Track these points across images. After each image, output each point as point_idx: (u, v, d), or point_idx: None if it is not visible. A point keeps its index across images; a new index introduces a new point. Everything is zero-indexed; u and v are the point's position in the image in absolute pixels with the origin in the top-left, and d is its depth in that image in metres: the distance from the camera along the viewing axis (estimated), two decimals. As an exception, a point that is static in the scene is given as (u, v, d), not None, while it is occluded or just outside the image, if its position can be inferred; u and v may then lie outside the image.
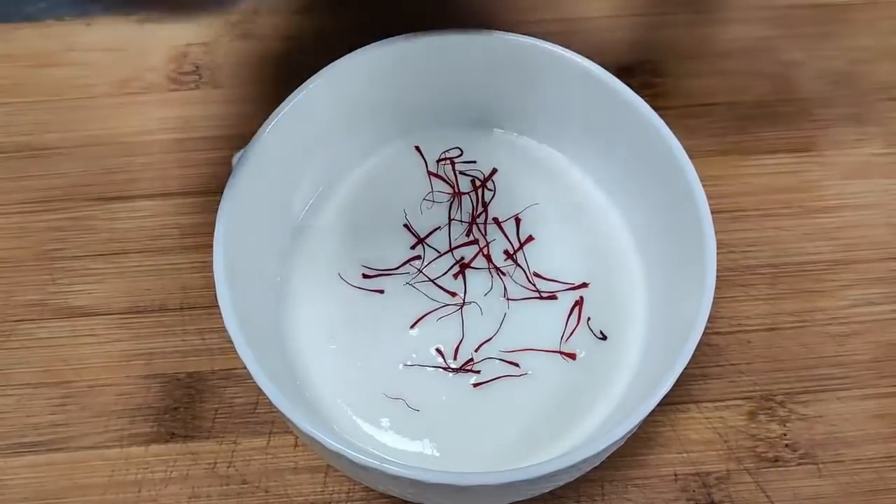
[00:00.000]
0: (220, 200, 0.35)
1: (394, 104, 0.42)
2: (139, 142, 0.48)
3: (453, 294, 0.40)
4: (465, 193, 0.42)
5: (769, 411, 0.41)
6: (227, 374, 0.41)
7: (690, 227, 0.36)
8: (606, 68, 0.39)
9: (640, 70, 0.50)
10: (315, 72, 0.39)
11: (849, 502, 0.39)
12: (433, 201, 0.42)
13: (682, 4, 0.53)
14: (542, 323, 0.39)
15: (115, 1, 0.33)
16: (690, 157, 0.36)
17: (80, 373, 0.41)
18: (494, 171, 0.43)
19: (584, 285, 0.40)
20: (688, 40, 0.52)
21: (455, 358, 0.38)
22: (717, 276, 0.34)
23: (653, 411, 0.32)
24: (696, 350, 0.32)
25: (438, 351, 0.38)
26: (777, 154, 0.48)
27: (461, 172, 0.43)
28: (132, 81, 0.50)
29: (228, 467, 0.39)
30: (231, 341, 0.32)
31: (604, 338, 0.39)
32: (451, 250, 0.41)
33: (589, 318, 0.39)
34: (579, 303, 0.40)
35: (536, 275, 0.40)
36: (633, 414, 0.32)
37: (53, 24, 0.52)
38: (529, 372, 0.38)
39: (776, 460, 0.40)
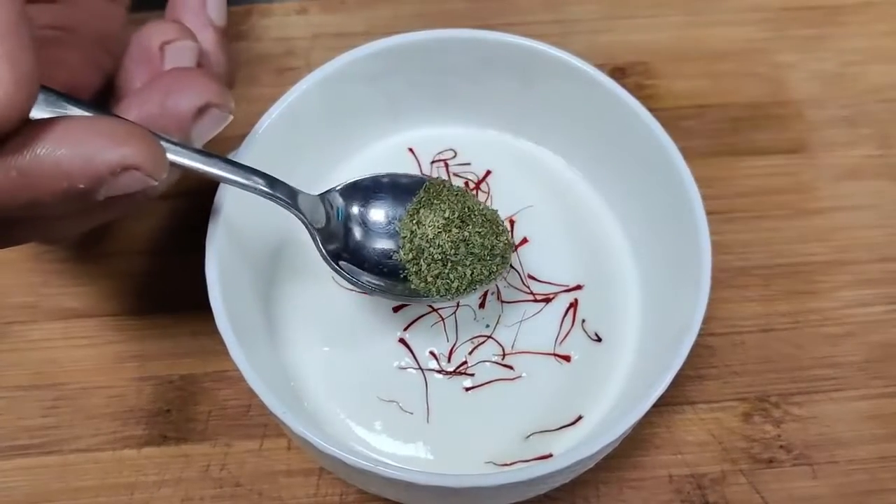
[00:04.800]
0: (212, 202, 0.35)
1: (387, 105, 0.42)
2: (132, 143, 0.48)
3: (447, 296, 0.40)
4: (459, 195, 0.42)
5: (763, 412, 0.41)
6: (219, 377, 0.41)
7: (685, 229, 0.36)
8: (600, 69, 0.39)
9: (633, 71, 0.50)
10: (308, 72, 0.39)
11: (842, 503, 0.39)
12: (427, 203, 0.42)
13: (675, 6, 0.53)
14: (536, 325, 0.39)
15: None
16: (684, 158, 0.36)
17: (72, 375, 0.41)
18: (488, 172, 0.43)
19: (579, 287, 0.40)
20: (681, 42, 0.52)
21: (449, 361, 0.38)
22: (711, 278, 0.34)
23: (647, 413, 0.32)
24: (690, 351, 0.32)
25: (432, 354, 0.38)
26: (770, 155, 0.48)
27: (455, 174, 0.43)
28: (125, 83, 0.50)
29: (221, 470, 0.39)
30: (224, 344, 0.32)
31: (598, 340, 0.39)
32: (445, 252, 0.41)
33: (583, 320, 0.39)
34: (574, 305, 0.40)
35: (531, 277, 0.40)
36: (628, 415, 0.32)
37: (45, 25, 0.52)
38: (524, 374, 0.38)
39: (771, 461, 0.40)
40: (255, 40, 0.51)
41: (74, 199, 0.26)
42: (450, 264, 0.35)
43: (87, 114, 0.28)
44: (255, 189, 0.32)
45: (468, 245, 0.35)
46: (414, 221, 0.35)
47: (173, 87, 0.30)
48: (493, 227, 0.36)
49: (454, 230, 0.35)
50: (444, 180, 0.37)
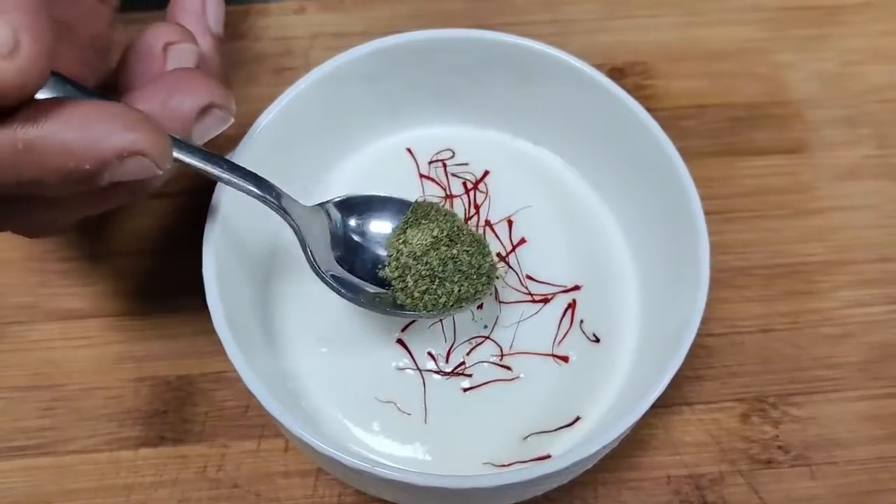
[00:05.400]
0: (210, 202, 0.35)
1: (385, 105, 0.42)
2: (130, 143, 0.47)
3: (445, 296, 0.39)
4: (456, 196, 0.42)
5: (762, 413, 0.41)
6: (217, 378, 0.41)
7: (683, 229, 0.35)
8: (599, 70, 0.39)
9: (632, 72, 0.50)
10: (306, 72, 0.38)
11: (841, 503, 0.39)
12: (425, 203, 0.42)
13: (674, 6, 0.53)
14: (534, 326, 0.39)
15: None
16: (683, 158, 0.36)
17: (69, 376, 0.41)
18: (486, 172, 0.43)
19: (577, 288, 0.40)
20: (680, 42, 0.52)
21: (447, 361, 0.38)
22: (710, 278, 0.34)
23: (646, 413, 0.32)
24: (689, 352, 0.32)
25: (430, 354, 0.38)
26: (769, 155, 0.48)
27: (453, 174, 0.43)
28: (123, 83, 0.50)
29: (218, 471, 0.39)
30: (221, 344, 0.32)
31: (596, 340, 0.39)
32: (443, 252, 0.41)
33: (582, 321, 0.39)
34: (572, 305, 0.39)
35: (529, 277, 0.40)
36: (626, 416, 0.32)
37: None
38: (522, 375, 0.38)
39: (769, 462, 0.40)
40: (254, 40, 0.51)
41: (77, 182, 0.26)
42: (437, 280, 0.35)
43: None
44: (248, 191, 0.33)
45: (456, 262, 0.35)
46: (400, 241, 0.36)
47: (177, 86, 0.30)
48: (480, 247, 0.37)
49: (443, 248, 0.35)
50: (431, 202, 0.38)
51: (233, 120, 0.32)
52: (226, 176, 0.32)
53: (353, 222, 0.37)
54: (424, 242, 0.35)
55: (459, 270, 0.35)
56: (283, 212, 0.34)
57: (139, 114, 0.27)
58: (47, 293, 0.43)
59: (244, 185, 0.33)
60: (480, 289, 0.36)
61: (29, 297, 0.43)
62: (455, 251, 0.35)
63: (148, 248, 0.44)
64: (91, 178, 0.26)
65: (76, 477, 0.39)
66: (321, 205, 0.36)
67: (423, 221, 0.36)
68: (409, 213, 0.37)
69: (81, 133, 0.25)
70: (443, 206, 0.39)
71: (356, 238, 0.37)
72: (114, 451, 0.39)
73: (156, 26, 0.32)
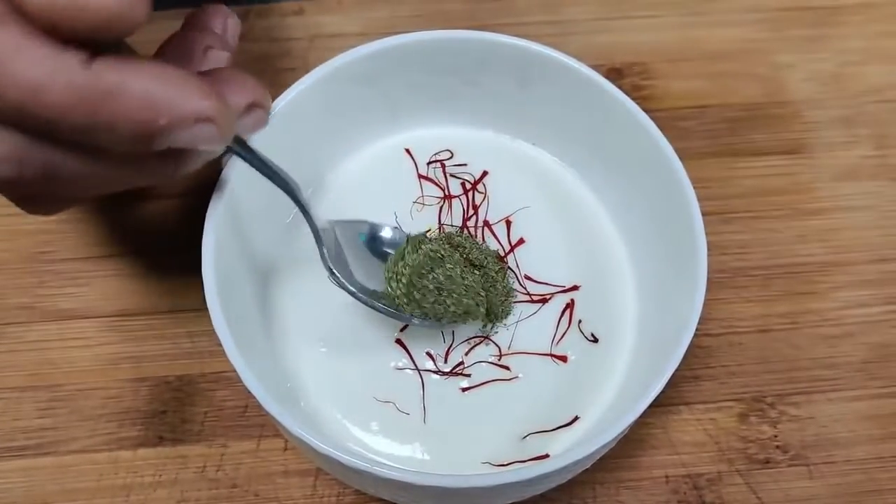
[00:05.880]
0: (209, 202, 0.35)
1: (384, 105, 0.42)
2: (129, 144, 0.47)
3: (444, 296, 0.40)
4: (455, 197, 0.42)
5: (760, 413, 0.41)
6: (216, 378, 0.41)
7: (681, 229, 0.36)
8: (597, 71, 0.39)
9: (630, 72, 0.50)
10: (306, 72, 0.38)
11: (839, 503, 0.39)
12: (423, 204, 0.42)
13: (673, 7, 0.53)
14: (533, 326, 0.39)
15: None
16: (681, 159, 0.36)
17: (68, 376, 0.41)
18: (485, 173, 0.43)
19: (575, 288, 0.40)
20: (678, 43, 0.52)
21: (446, 361, 0.38)
22: (709, 278, 0.34)
23: (644, 413, 0.32)
24: (687, 352, 0.32)
25: (429, 354, 0.38)
26: (768, 156, 0.48)
27: (452, 175, 0.43)
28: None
29: (218, 471, 0.39)
30: (220, 344, 0.32)
31: (595, 340, 0.39)
32: (441, 253, 0.41)
33: (580, 321, 0.39)
34: (570, 305, 0.40)
35: (527, 277, 0.40)
36: (624, 416, 0.32)
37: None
38: (520, 375, 0.38)
39: (767, 462, 0.40)
40: (253, 41, 0.51)
41: (142, 138, 0.27)
42: (446, 292, 0.36)
43: None
44: (285, 189, 0.34)
45: (464, 279, 0.37)
46: (399, 265, 0.37)
47: (229, 82, 0.31)
48: (491, 261, 0.39)
49: (447, 265, 0.37)
50: (424, 235, 0.39)
51: (269, 123, 0.32)
52: (268, 172, 0.33)
53: (364, 241, 0.39)
54: (425, 263, 0.36)
55: (465, 286, 0.37)
56: (308, 215, 0.35)
57: (215, 88, 0.28)
58: (45, 294, 0.43)
59: (284, 185, 0.34)
60: (482, 311, 0.37)
61: (27, 298, 0.43)
62: (459, 269, 0.37)
63: (147, 249, 0.44)
64: (155, 137, 0.27)
65: (75, 477, 0.39)
66: (348, 222, 0.38)
67: (421, 247, 0.37)
68: (405, 244, 0.38)
69: (166, 88, 0.26)
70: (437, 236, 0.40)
71: (367, 255, 0.38)
72: (113, 451, 0.39)
73: (198, 31, 0.34)
